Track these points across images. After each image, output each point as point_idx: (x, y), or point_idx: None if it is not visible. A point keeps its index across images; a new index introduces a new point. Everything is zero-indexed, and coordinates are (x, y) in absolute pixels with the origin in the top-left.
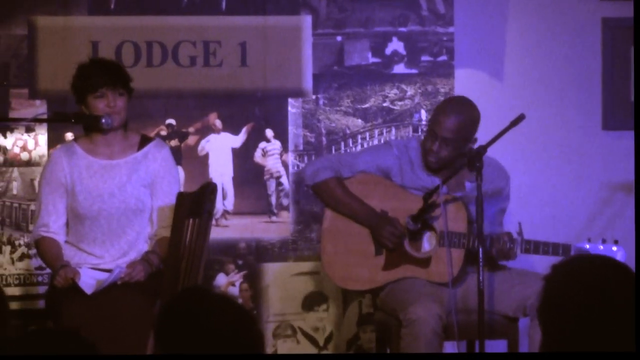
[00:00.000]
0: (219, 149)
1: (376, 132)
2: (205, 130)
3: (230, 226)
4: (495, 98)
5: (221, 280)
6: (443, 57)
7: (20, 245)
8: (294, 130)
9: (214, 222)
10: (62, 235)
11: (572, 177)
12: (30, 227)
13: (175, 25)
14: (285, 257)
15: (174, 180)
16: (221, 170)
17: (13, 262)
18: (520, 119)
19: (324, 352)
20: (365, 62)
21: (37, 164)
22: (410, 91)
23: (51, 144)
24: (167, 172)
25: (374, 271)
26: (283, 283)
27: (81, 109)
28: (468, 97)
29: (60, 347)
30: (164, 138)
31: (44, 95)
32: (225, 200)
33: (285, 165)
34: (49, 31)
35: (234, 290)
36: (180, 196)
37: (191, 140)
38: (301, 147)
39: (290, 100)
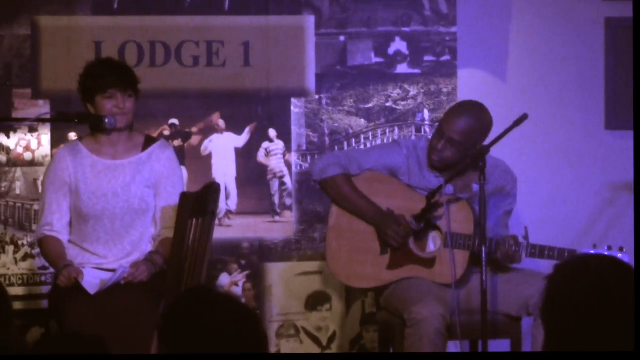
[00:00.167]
0: (222, 148)
1: (379, 131)
2: (209, 130)
3: (233, 226)
4: (498, 98)
5: (224, 280)
6: (446, 57)
7: (23, 245)
8: (297, 130)
9: (217, 222)
10: (65, 234)
11: (574, 176)
12: (34, 227)
13: (178, 25)
14: (288, 257)
15: (178, 181)
16: (224, 170)
17: (16, 262)
18: (523, 118)
19: (327, 351)
20: (368, 62)
21: (40, 164)
22: (413, 91)
23: (54, 144)
24: (171, 172)
25: (378, 270)
26: (286, 283)
27: (86, 108)
28: (471, 97)
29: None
30: (167, 138)
31: (47, 95)
32: (229, 200)
33: (288, 165)
34: (52, 31)
35: (237, 290)
36: (184, 196)
37: (194, 140)
38: (304, 147)
39: (293, 100)
